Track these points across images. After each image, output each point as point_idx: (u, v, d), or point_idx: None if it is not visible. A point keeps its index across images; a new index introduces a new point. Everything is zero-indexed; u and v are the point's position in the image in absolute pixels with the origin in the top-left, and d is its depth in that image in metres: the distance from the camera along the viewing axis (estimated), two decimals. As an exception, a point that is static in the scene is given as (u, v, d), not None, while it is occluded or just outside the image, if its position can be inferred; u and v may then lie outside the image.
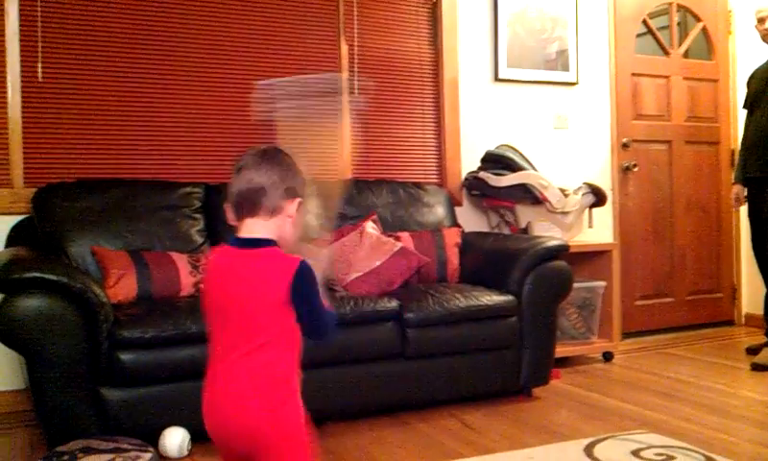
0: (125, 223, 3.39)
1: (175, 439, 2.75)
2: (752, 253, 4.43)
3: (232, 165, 1.71)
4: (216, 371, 1.63)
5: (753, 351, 4.32)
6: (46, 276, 2.64)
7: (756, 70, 4.40)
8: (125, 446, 2.58)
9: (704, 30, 5.31)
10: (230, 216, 1.68)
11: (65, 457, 2.47)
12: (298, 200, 1.67)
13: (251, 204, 1.64)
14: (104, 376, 2.76)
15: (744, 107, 4.47)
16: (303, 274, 1.61)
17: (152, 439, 2.74)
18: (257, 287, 1.61)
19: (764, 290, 4.28)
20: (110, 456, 2.49)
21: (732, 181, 4.59)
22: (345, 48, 4.27)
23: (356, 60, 4.30)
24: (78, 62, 3.68)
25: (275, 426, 1.60)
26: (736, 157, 4.66)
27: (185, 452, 2.76)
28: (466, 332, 3.41)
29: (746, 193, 4.37)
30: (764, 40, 4.27)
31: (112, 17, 3.74)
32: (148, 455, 2.55)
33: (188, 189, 3.61)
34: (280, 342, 1.62)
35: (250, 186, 1.63)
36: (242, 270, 1.63)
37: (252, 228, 1.65)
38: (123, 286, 3.13)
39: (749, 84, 4.43)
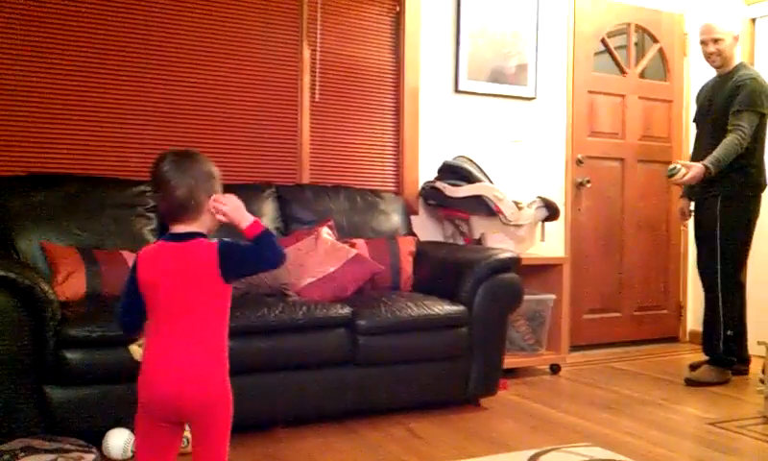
0: (76, 219, 3.34)
1: (119, 440, 2.72)
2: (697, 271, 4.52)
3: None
4: (167, 347, 1.82)
5: (694, 367, 4.42)
6: (-7, 271, 2.59)
7: (704, 86, 4.46)
8: (67, 446, 2.55)
9: (660, 51, 5.43)
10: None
11: (6, 457, 2.42)
12: (213, 196, 1.89)
13: (177, 215, 1.87)
14: (49, 374, 2.72)
15: (693, 120, 4.57)
16: (224, 249, 1.84)
17: (96, 440, 2.72)
18: (192, 273, 1.83)
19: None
20: (53, 456, 2.46)
21: (680, 194, 4.67)
22: (307, 52, 4.27)
23: (318, 65, 4.30)
24: (32, 55, 3.61)
25: (225, 393, 1.86)
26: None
27: (129, 454, 2.73)
28: (416, 341, 3.43)
29: (692, 207, 4.47)
30: (706, 60, 4.35)
31: (67, 10, 3.68)
32: (91, 456, 2.53)
33: (142, 188, 3.56)
34: (220, 318, 1.87)
35: (173, 202, 1.86)
36: (177, 260, 1.84)
37: (185, 228, 1.88)
38: (72, 284, 3.08)
39: (697, 98, 4.53)
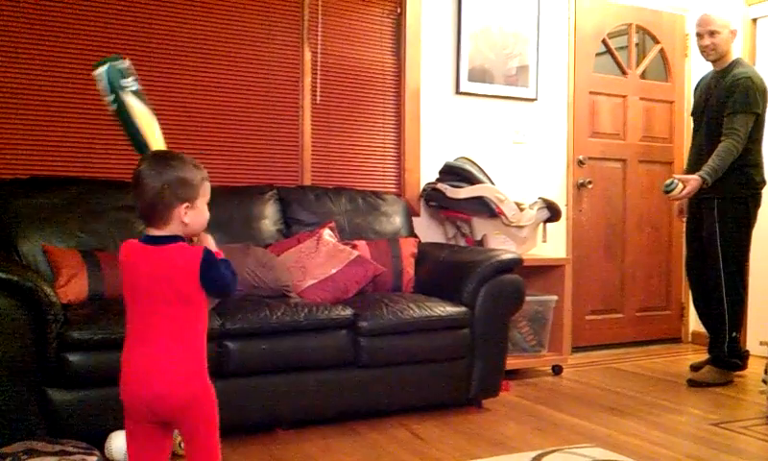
0: (78, 222, 3.35)
1: (121, 443, 2.71)
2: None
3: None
4: (143, 349, 1.84)
5: (696, 368, 4.42)
6: (-5, 273, 2.60)
7: (702, 80, 4.43)
8: (70, 448, 2.55)
9: (661, 52, 5.43)
10: None
11: (8, 459, 2.42)
12: (185, 204, 1.84)
13: (146, 216, 1.86)
14: (51, 376, 2.73)
15: (691, 114, 4.56)
16: (207, 260, 1.83)
17: (98, 442, 2.72)
18: (170, 276, 1.82)
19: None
20: (55, 459, 2.46)
21: None
22: (308, 54, 4.27)
23: (319, 67, 4.30)
24: (33, 57, 3.62)
25: (204, 392, 1.87)
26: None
27: (132, 456, 2.73)
28: (418, 342, 3.43)
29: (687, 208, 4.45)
30: (701, 54, 4.33)
31: (68, 11, 3.69)
32: (93, 459, 2.53)
33: (144, 190, 3.57)
34: (196, 321, 1.88)
35: (142, 202, 1.84)
36: (155, 263, 1.83)
37: (158, 231, 1.86)
38: (74, 286, 3.09)
39: (694, 92, 4.50)
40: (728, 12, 4.52)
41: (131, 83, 2.20)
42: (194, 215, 1.86)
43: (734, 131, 4.00)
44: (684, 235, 4.72)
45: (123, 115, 2.14)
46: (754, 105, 4.04)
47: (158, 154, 1.93)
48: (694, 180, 4.00)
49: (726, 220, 4.12)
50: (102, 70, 2.17)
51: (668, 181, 4.07)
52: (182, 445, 1.98)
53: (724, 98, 4.09)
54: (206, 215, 1.91)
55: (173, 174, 1.84)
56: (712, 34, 4.16)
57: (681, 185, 4.02)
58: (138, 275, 1.84)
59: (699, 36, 4.24)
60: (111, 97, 2.14)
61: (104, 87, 2.16)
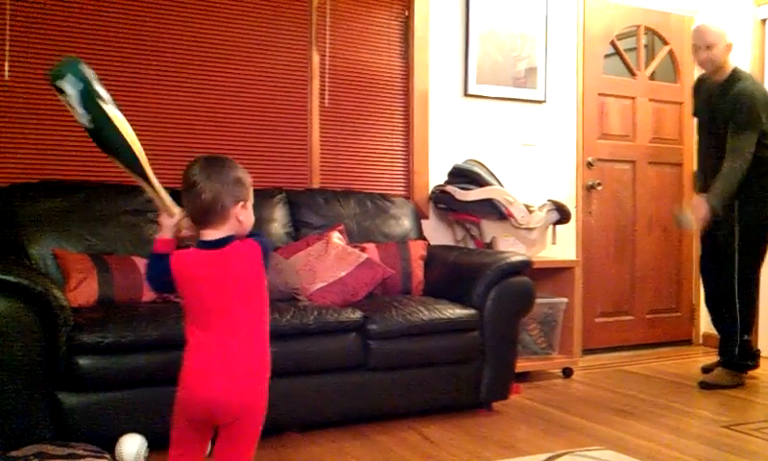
0: (88, 226, 3.36)
1: (131, 446, 2.73)
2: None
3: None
4: (217, 350, 1.85)
5: (707, 370, 4.40)
6: (5, 277, 2.60)
7: (701, 80, 4.39)
8: (80, 452, 2.55)
9: (670, 53, 5.41)
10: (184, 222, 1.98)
11: (19, 462, 2.43)
12: (241, 203, 1.92)
13: (205, 218, 1.90)
14: (61, 380, 2.73)
15: (693, 114, 4.54)
16: (264, 245, 1.92)
17: (108, 445, 2.72)
18: (240, 274, 1.88)
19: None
20: (65, 462, 2.46)
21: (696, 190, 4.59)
22: (316, 57, 4.27)
23: (327, 70, 4.30)
24: (45, 62, 3.63)
25: (259, 406, 1.91)
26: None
27: (142, 460, 2.73)
28: (428, 345, 3.43)
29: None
30: (698, 65, 4.31)
31: (82, 17, 3.71)
32: (103, 462, 2.53)
33: (153, 194, 3.58)
34: (264, 317, 1.93)
35: (199, 206, 1.89)
36: (219, 267, 1.87)
37: (213, 234, 1.91)
38: (84, 290, 3.09)
39: (695, 92, 4.48)
40: (736, 13, 4.51)
41: (102, 89, 1.88)
42: (247, 215, 1.93)
43: (739, 150, 3.99)
44: (694, 236, 4.70)
45: (109, 132, 1.90)
46: (756, 120, 4.03)
47: (209, 158, 1.97)
48: (704, 208, 4.00)
49: (746, 222, 4.10)
50: (71, 78, 1.80)
51: (679, 217, 4.19)
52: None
53: (729, 113, 4.07)
54: (253, 217, 1.97)
55: (229, 174, 1.91)
56: (709, 47, 4.13)
57: (692, 216, 4.07)
58: (204, 281, 1.88)
59: (695, 48, 4.23)
60: (86, 111, 1.85)
61: (76, 100, 1.84)
